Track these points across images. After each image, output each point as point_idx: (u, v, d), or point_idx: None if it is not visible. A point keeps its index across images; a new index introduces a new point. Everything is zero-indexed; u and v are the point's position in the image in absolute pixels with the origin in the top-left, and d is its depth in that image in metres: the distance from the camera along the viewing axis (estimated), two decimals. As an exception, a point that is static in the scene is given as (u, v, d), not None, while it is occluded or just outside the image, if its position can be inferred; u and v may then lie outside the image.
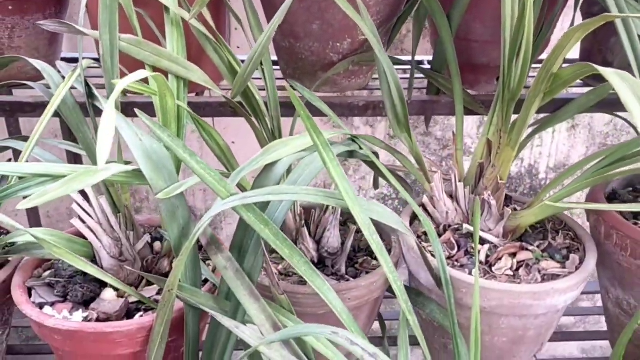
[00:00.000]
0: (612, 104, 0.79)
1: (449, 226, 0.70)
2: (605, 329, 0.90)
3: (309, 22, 0.76)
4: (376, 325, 0.77)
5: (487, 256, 0.66)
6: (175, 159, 0.61)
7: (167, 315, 0.55)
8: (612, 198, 0.76)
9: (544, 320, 0.64)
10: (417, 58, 1.00)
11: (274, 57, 0.84)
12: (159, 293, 0.63)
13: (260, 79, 0.72)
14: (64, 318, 0.58)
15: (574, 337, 1.14)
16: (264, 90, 0.72)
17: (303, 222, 0.71)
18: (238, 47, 1.13)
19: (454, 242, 0.67)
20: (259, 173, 0.59)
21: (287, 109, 0.76)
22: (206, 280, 0.64)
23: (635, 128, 0.81)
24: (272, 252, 0.71)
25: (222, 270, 0.56)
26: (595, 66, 0.51)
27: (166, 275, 0.65)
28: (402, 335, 0.57)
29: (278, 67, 0.86)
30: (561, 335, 0.97)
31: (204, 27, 0.67)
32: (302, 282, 0.66)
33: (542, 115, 0.78)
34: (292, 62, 0.81)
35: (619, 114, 0.81)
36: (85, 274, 0.63)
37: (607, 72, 0.47)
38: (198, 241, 0.57)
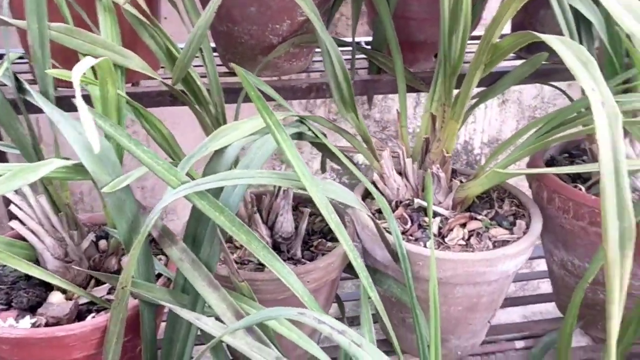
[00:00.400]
0: (545, 74, 0.82)
1: (401, 202, 0.71)
2: (544, 292, 0.94)
3: (247, 5, 0.74)
4: (335, 307, 0.77)
5: (440, 228, 0.67)
6: (117, 151, 0.58)
7: (121, 313, 0.53)
8: (550, 164, 0.79)
9: (496, 286, 0.66)
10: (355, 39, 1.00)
11: (213, 44, 0.82)
12: (110, 292, 0.61)
13: (199, 66, 0.70)
14: (9, 326, 0.54)
15: (514, 302, 1.18)
16: (205, 77, 0.69)
17: (255, 208, 0.70)
18: (171, 36, 1.10)
19: (406, 217, 0.68)
20: (208, 160, 0.57)
21: (230, 94, 0.75)
22: (159, 275, 0.62)
23: (568, 96, 0.85)
24: (226, 241, 0.70)
25: (178, 262, 0.54)
26: (536, 33, 0.53)
27: (116, 273, 0.63)
28: (364, 312, 0.57)
29: (217, 54, 0.84)
30: (502, 303, 1.01)
31: (137, 12, 0.64)
32: (259, 269, 0.65)
33: (478, 91, 0.80)
34: (231, 46, 0.80)
35: (553, 83, 0.84)
36: (29, 279, 0.59)
37: (549, 38, 0.48)
38: (149, 235, 0.54)
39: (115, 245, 0.65)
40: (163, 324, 0.59)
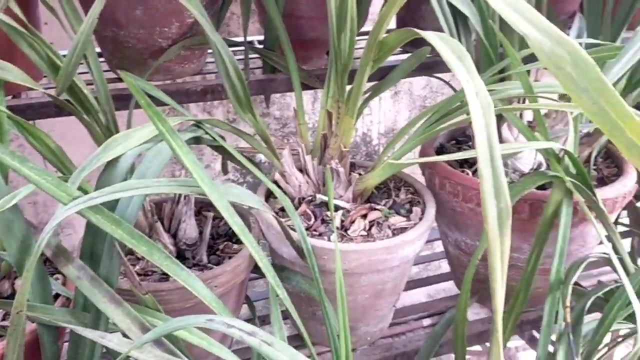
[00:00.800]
0: (430, 67, 0.87)
1: (303, 198, 0.72)
2: (445, 272, 1.00)
3: (132, 8, 0.72)
4: (248, 308, 0.77)
5: (342, 221, 0.69)
6: (1, 169, 0.54)
7: (19, 339, 0.50)
8: (440, 152, 0.84)
9: (398, 271, 0.69)
10: (248, 39, 1.00)
11: (98, 49, 0.79)
12: (4, 318, 0.57)
13: (85, 72, 0.67)
14: None
15: (418, 284, 1.24)
16: (91, 84, 0.67)
17: (155, 217, 0.68)
18: (51, 44, 1.04)
19: (310, 213, 0.69)
20: (101, 171, 0.55)
21: (121, 101, 0.72)
22: (58, 295, 0.59)
23: (452, 86, 0.90)
24: (127, 253, 0.68)
25: (76, 281, 0.52)
26: (417, 30, 0.55)
27: (9, 297, 0.59)
28: (274, 311, 0.58)
29: (104, 59, 0.81)
30: (407, 285, 1.05)
31: (13, 20, 0.60)
32: (164, 278, 0.64)
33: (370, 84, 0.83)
34: (118, 51, 0.77)
35: (437, 74, 0.89)
36: None
37: (427, 34, 0.51)
38: (42, 254, 0.52)
39: (7, 268, 0.61)
40: (66, 345, 0.57)
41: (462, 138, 0.87)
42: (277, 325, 0.57)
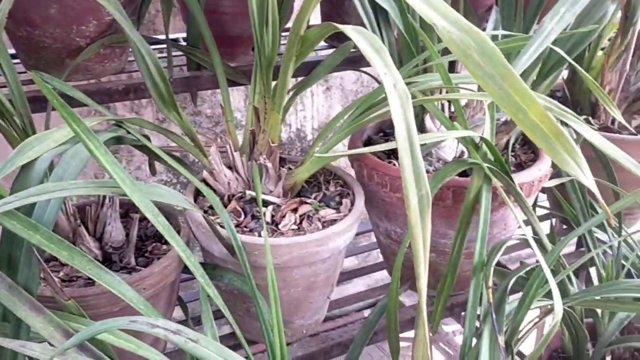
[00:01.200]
0: (355, 61, 0.88)
1: (233, 195, 0.72)
2: (382, 261, 1.02)
3: (46, 7, 0.69)
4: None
5: (273, 216, 0.70)
6: None
7: None
8: (368, 144, 0.85)
9: (330, 263, 0.70)
10: (173, 36, 0.98)
11: (12, 50, 0.76)
12: None
13: (-2, 75, 0.64)
14: None
15: (358, 274, 1.26)
16: (5, 87, 0.64)
17: (79, 221, 0.66)
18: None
19: (239, 209, 0.69)
20: (16, 175, 0.53)
21: (39, 103, 0.70)
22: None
23: (377, 80, 0.91)
24: (51, 259, 0.66)
25: (-8, 290, 0.50)
26: (335, 24, 0.56)
27: None
28: (204, 310, 0.57)
29: (19, 60, 0.78)
30: (347, 275, 1.07)
31: None
32: (90, 283, 0.62)
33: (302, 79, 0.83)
34: (33, 51, 0.74)
35: (364, 69, 0.90)
36: None
37: (346, 28, 0.52)
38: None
39: None
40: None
41: (389, 130, 0.89)
42: (208, 324, 0.56)
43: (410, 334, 0.94)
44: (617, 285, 0.70)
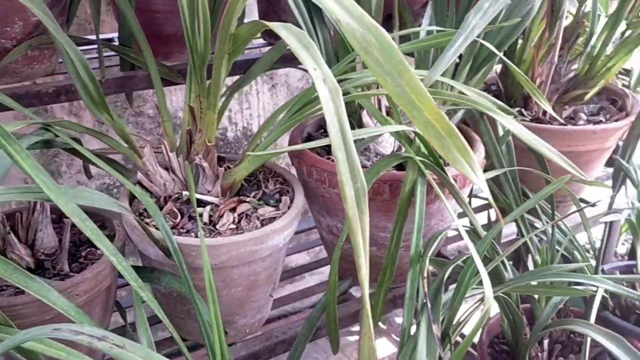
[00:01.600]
0: (294, 58, 0.88)
1: (170, 197, 0.71)
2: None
3: (-36, 7, 0.67)
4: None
5: (210, 216, 0.69)
6: None
7: None
8: (308, 141, 0.85)
9: (270, 261, 0.70)
10: (109, 36, 0.96)
11: None
12: None
13: None
14: None
15: (308, 269, 1.26)
16: None
17: (8, 228, 0.64)
18: None
19: (176, 210, 0.68)
20: None
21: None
22: None
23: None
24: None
25: None
26: (264, 22, 0.56)
27: None
28: (138, 314, 0.56)
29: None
30: (299, 271, 1.07)
31: None
32: (20, 292, 0.60)
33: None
34: (-45, 54, 0.71)
35: (301, 66, 0.90)
36: None
37: (275, 25, 0.52)
38: None
39: None
40: None
41: (329, 126, 0.90)
42: (142, 329, 0.56)
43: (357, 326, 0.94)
44: (548, 271, 0.73)
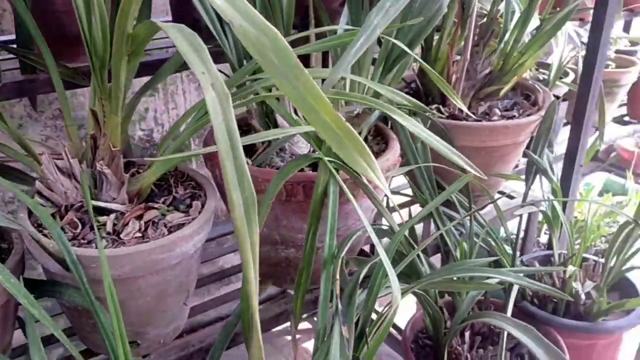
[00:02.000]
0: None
1: (72, 205, 0.68)
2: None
3: None
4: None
5: (115, 225, 0.66)
6: None
7: None
8: (225, 143, 0.84)
9: (180, 269, 0.68)
10: (8, 38, 0.92)
11: None
12: None
13: None
14: None
15: (240, 269, 1.24)
16: None
17: None
18: None
19: (76, 220, 0.65)
20: None
21: None
22: None
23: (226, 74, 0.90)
24: None
25: None
26: (157, 22, 0.54)
27: None
28: (30, 333, 0.53)
29: None
30: (233, 270, 1.05)
31: None
32: None
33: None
34: None
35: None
36: None
37: (166, 26, 0.50)
38: None
39: None
40: None
41: (247, 127, 0.88)
42: (35, 348, 0.53)
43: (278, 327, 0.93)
44: (461, 266, 0.74)
